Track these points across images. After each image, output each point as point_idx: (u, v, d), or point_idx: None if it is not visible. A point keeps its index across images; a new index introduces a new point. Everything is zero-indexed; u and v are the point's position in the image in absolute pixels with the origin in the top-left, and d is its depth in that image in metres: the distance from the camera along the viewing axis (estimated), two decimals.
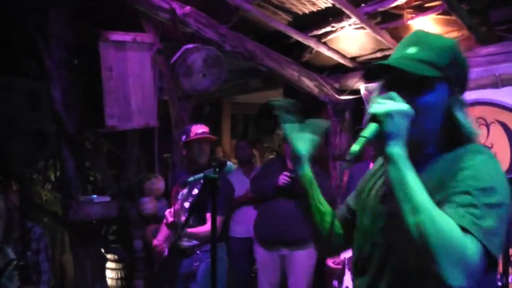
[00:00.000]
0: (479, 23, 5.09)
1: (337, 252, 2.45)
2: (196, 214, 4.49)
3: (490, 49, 5.20)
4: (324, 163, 6.43)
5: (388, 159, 1.54)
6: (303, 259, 5.54)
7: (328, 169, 6.46)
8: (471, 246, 1.40)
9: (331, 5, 5.18)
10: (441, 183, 1.57)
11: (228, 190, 4.74)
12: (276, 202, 5.56)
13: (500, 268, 3.06)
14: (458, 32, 5.40)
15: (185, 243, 4.58)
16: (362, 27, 5.25)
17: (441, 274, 1.38)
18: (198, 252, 4.59)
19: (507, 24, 5.07)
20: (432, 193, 1.51)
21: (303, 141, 2.07)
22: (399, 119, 1.53)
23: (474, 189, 1.48)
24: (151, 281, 6.23)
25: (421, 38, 1.72)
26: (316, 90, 6.23)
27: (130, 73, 5.12)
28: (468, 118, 1.69)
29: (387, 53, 5.80)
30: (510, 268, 4.21)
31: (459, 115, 1.66)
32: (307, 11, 5.54)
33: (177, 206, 4.48)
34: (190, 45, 5.25)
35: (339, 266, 4.50)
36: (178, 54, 5.25)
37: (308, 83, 6.15)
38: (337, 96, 6.27)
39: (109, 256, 6.52)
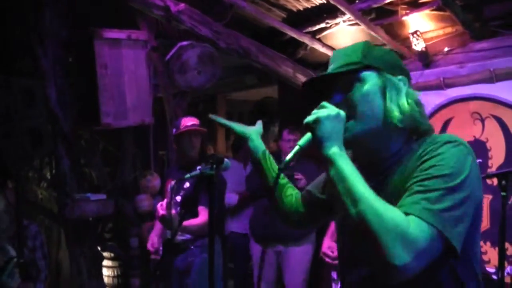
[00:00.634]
0: (473, 19, 5.11)
1: (302, 226, 2.50)
2: (188, 207, 4.49)
3: (484, 44, 5.23)
4: (318, 160, 6.44)
5: (326, 160, 1.61)
6: (298, 255, 5.56)
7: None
8: (413, 226, 1.45)
9: (325, 2, 5.19)
10: (407, 179, 1.61)
11: (220, 184, 4.75)
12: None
13: (496, 262, 3.08)
14: (452, 28, 5.43)
15: (178, 237, 4.58)
16: (356, 24, 5.26)
17: (386, 255, 1.42)
18: (192, 247, 4.60)
19: (500, 20, 5.10)
20: (402, 192, 1.59)
21: (243, 126, 2.42)
22: (329, 123, 1.61)
23: (434, 176, 1.53)
24: (147, 278, 6.24)
25: (336, 54, 1.88)
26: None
27: (125, 70, 5.12)
28: (403, 97, 1.73)
29: None
30: (505, 263, 4.23)
31: (389, 96, 1.72)
32: (301, 8, 5.55)
33: (167, 200, 4.49)
34: (185, 42, 5.25)
35: (335, 255, 4.49)
36: (173, 51, 5.25)
37: (303, 80, 6.14)
38: None
39: (105, 253, 6.53)
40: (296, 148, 1.67)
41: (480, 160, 5.31)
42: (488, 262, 5.20)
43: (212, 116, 2.50)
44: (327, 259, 4.56)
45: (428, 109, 5.74)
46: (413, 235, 1.43)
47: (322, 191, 2.18)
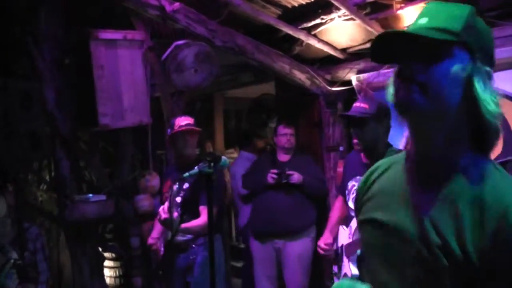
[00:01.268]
0: None
1: None
2: (189, 208, 4.51)
3: None
4: (317, 154, 6.46)
5: None
6: (297, 250, 5.58)
7: (322, 161, 6.47)
8: None
9: None
10: (479, 220, 1.33)
11: (220, 182, 4.77)
12: (268, 195, 5.60)
13: None
14: None
15: (180, 237, 4.60)
16: (351, 18, 5.26)
17: None
18: (193, 246, 4.61)
19: (497, 10, 5.10)
20: (464, 226, 1.34)
21: None
22: None
23: None
24: (149, 277, 6.25)
25: (432, 8, 1.52)
26: (307, 83, 6.23)
27: (122, 71, 5.12)
28: (492, 93, 1.43)
29: None
30: None
31: (479, 86, 1.40)
32: (296, 4, 5.54)
33: (168, 203, 4.51)
34: (181, 41, 5.25)
35: (328, 248, 4.51)
36: (169, 50, 5.25)
37: (300, 76, 6.16)
38: (329, 88, 6.28)
39: (106, 254, 6.54)
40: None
41: None
42: None
43: None
44: (321, 252, 4.57)
45: None
46: None
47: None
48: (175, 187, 4.71)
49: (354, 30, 5.61)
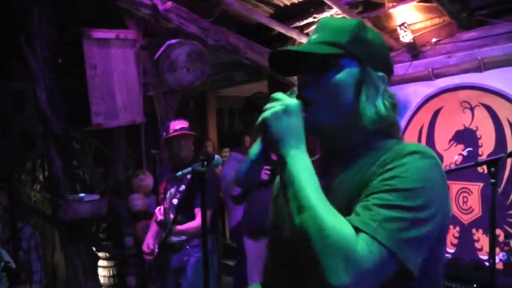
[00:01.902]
0: (460, 9, 5.14)
1: None
2: (185, 210, 4.52)
3: (472, 33, 5.26)
4: (310, 152, 6.46)
5: (281, 162, 1.42)
6: None
7: None
8: (362, 245, 1.24)
9: None
10: (365, 184, 1.41)
11: (215, 183, 4.78)
12: (261, 193, 5.60)
13: (487, 249, 3.10)
14: (439, 19, 5.46)
15: (174, 238, 4.60)
16: (343, 17, 5.28)
17: (324, 274, 1.23)
18: (187, 247, 4.62)
19: (487, 9, 5.13)
20: (354, 194, 1.41)
21: None
22: (278, 122, 1.42)
23: (394, 189, 1.33)
24: (143, 277, 6.25)
25: (322, 24, 1.62)
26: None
27: (115, 70, 5.12)
28: (383, 96, 1.53)
29: None
30: (497, 249, 4.27)
31: (364, 93, 1.50)
32: (288, 3, 5.56)
33: (166, 205, 4.52)
34: (173, 40, 5.26)
35: None
36: (162, 49, 5.26)
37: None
38: None
39: (100, 254, 6.54)
40: (247, 162, 1.50)
41: (471, 149, 5.34)
42: (480, 249, 5.24)
43: None
44: None
45: (417, 99, 5.78)
46: (359, 255, 1.23)
47: None
48: (173, 189, 4.72)
49: None
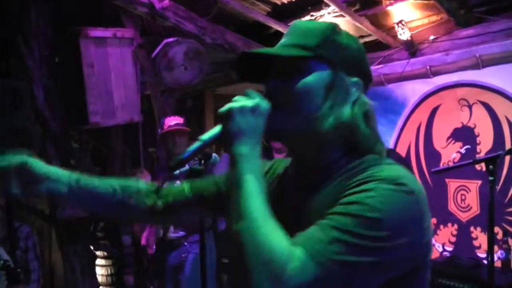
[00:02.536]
0: (458, 6, 5.14)
1: (163, 218, 2.09)
2: None
3: (470, 31, 5.27)
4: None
5: (232, 160, 1.35)
6: None
7: None
8: (296, 263, 1.19)
9: None
10: (331, 202, 1.33)
11: None
12: None
13: (486, 247, 3.10)
14: (437, 16, 5.46)
15: (172, 234, 4.60)
16: (341, 15, 5.27)
17: (251, 284, 1.19)
18: (185, 243, 4.62)
19: (485, 6, 5.13)
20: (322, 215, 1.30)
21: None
22: (243, 117, 1.36)
23: (352, 214, 1.24)
24: (141, 275, 6.25)
25: (293, 27, 1.56)
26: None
27: (112, 69, 5.11)
28: (352, 103, 1.46)
29: (367, 39, 5.84)
30: (495, 247, 4.26)
31: (333, 97, 1.44)
32: (285, 1, 5.55)
33: None
34: (171, 39, 5.25)
35: None
36: (159, 48, 5.25)
37: None
38: None
39: (98, 253, 6.53)
40: (197, 143, 1.43)
41: (469, 146, 5.35)
42: (479, 247, 5.24)
43: None
44: None
45: (415, 97, 5.78)
46: (290, 273, 1.17)
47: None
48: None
49: (343, 26, 5.58)
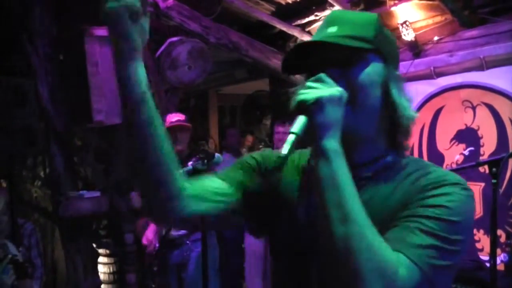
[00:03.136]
0: (462, 7, 5.14)
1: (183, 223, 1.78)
2: None
3: (474, 32, 5.26)
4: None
5: (321, 155, 1.25)
6: None
7: None
8: (403, 269, 1.21)
9: None
10: (403, 204, 1.35)
11: None
12: None
13: (488, 249, 3.10)
14: (441, 17, 5.45)
15: (174, 233, 4.61)
16: (354, 11, 5.28)
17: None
18: (187, 242, 4.63)
19: (489, 6, 5.13)
20: (392, 213, 1.34)
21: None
22: (331, 107, 1.25)
23: (440, 218, 1.27)
24: (143, 274, 6.25)
25: (339, 17, 1.48)
26: (302, 79, 6.24)
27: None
28: (406, 98, 1.46)
29: None
30: (499, 250, 4.26)
31: (395, 91, 1.42)
32: (290, 1, 5.56)
33: None
34: (175, 38, 5.26)
35: None
36: (163, 47, 5.25)
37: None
38: None
39: (100, 250, 6.53)
40: (292, 137, 1.25)
41: (472, 148, 5.34)
42: (482, 250, 5.23)
43: None
44: None
45: (419, 98, 5.77)
46: (401, 279, 1.19)
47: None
48: None
49: None
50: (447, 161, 5.55)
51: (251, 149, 7.40)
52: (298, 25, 5.69)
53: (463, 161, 5.38)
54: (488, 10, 5.14)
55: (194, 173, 2.96)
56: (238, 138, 7.24)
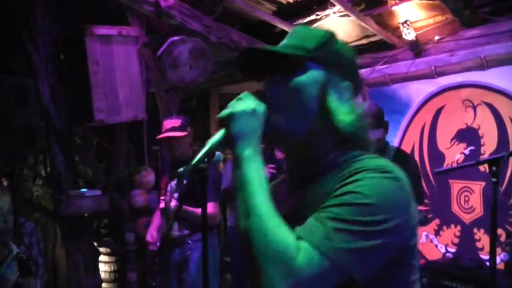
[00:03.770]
0: (463, 6, 5.14)
1: None
2: (188, 204, 4.51)
3: (475, 31, 5.27)
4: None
5: (236, 161, 1.41)
6: None
7: None
8: (303, 255, 1.24)
9: None
10: (324, 196, 1.39)
11: (216, 177, 4.77)
12: None
13: (488, 248, 3.10)
14: (442, 16, 5.46)
15: (176, 232, 4.61)
16: (346, 15, 5.28)
17: (263, 281, 1.25)
18: (189, 241, 4.62)
19: (490, 6, 5.13)
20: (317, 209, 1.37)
21: None
22: (245, 119, 1.43)
23: (346, 203, 1.31)
24: (143, 272, 6.26)
25: (294, 31, 1.66)
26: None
27: (117, 66, 5.13)
28: (348, 104, 1.53)
29: (372, 39, 5.85)
30: (498, 249, 4.26)
31: (332, 97, 1.51)
32: (291, 0, 5.56)
33: (167, 197, 4.52)
34: (176, 37, 5.26)
35: None
36: (164, 46, 5.26)
37: None
38: None
39: (101, 249, 6.56)
40: (206, 147, 1.49)
41: (473, 148, 5.35)
42: (482, 249, 5.24)
43: None
44: None
45: (419, 98, 5.78)
46: (298, 265, 1.23)
47: None
48: (173, 183, 4.72)
49: (349, 26, 5.63)
50: (447, 160, 5.56)
51: None
52: (299, 25, 5.69)
53: (464, 160, 5.39)
54: (488, 9, 5.15)
55: (195, 171, 2.95)
56: None
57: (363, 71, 5.89)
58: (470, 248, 5.36)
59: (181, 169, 3.24)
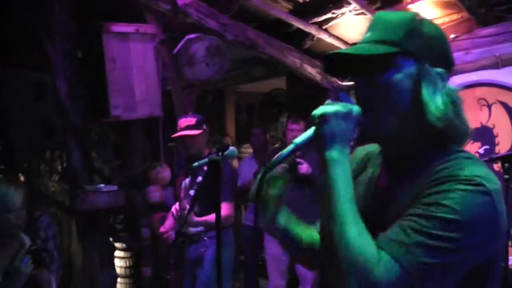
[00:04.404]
0: (479, 4, 5.13)
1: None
2: (202, 202, 4.53)
3: (490, 30, 5.25)
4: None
5: (324, 164, 1.41)
6: None
7: None
8: (382, 265, 1.26)
9: None
10: (415, 200, 1.38)
11: (232, 176, 4.77)
12: (293, 192, 5.56)
13: None
14: (457, 14, 5.44)
15: (192, 229, 4.62)
16: (362, 13, 5.29)
17: (340, 285, 1.29)
18: (205, 238, 4.63)
19: (506, 5, 5.12)
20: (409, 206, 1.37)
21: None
22: (336, 121, 1.40)
23: (433, 217, 1.29)
24: (158, 268, 6.30)
25: (376, 20, 1.56)
26: (318, 77, 6.27)
27: (134, 64, 5.17)
28: (442, 94, 1.45)
29: None
30: (510, 249, 4.25)
31: (426, 91, 1.44)
32: None
33: (182, 194, 4.55)
34: (192, 35, 5.29)
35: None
36: (181, 44, 5.29)
37: (310, 70, 6.20)
38: (340, 82, 6.32)
39: (117, 244, 6.59)
40: (291, 146, 1.46)
41: (488, 147, 5.33)
42: None
43: None
44: None
45: None
46: (378, 276, 1.25)
47: None
48: (188, 180, 4.75)
49: (364, 24, 5.58)
50: None
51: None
52: (315, 23, 5.70)
53: None
54: (504, 8, 5.13)
55: (209, 163, 2.99)
56: (263, 137, 7.15)
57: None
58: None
59: (196, 163, 3.29)
